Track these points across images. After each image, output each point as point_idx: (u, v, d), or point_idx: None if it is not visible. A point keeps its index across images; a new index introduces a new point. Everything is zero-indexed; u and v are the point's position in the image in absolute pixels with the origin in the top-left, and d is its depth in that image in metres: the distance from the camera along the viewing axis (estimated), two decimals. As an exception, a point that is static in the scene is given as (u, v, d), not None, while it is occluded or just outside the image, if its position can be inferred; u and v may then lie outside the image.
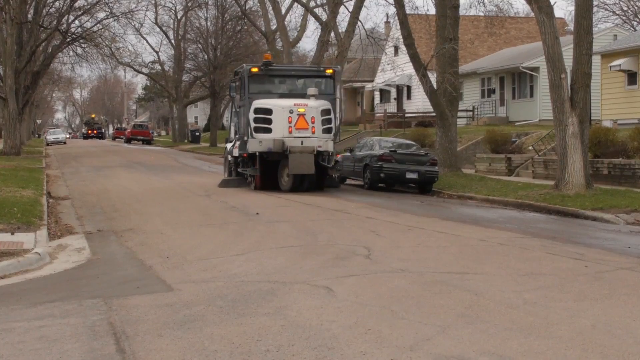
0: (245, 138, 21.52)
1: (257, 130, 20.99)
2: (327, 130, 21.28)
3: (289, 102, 21.10)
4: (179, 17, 68.01)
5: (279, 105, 21.03)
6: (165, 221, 14.39)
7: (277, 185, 21.27)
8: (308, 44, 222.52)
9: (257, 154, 21.00)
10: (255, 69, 21.95)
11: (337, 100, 22.34)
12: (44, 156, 41.34)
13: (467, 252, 10.73)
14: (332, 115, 21.55)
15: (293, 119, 20.70)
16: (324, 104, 21.43)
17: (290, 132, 20.65)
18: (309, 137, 20.71)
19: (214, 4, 61.32)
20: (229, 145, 24.77)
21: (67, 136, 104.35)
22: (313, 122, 20.81)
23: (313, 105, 21.01)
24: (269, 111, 20.95)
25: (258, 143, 20.82)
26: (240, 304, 7.18)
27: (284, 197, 19.09)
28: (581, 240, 12.51)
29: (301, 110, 20.79)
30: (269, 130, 20.84)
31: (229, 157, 24.22)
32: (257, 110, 21.08)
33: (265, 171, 21.34)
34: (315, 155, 20.73)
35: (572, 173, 18.68)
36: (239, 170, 22.85)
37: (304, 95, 21.57)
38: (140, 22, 79.38)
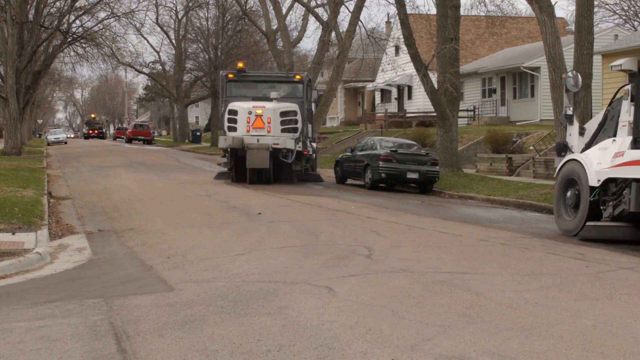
0: (220, 136, 24.35)
1: (228, 129, 23.59)
2: (288, 130, 23.44)
3: (249, 105, 23.52)
4: (179, 17, 68.02)
5: (241, 107, 23.51)
6: (166, 221, 14.39)
7: (244, 179, 23.63)
8: (309, 43, 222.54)
9: (229, 149, 23.67)
10: (231, 75, 24.88)
11: (305, 103, 24.43)
12: (44, 156, 41.36)
13: (468, 252, 10.73)
14: (297, 117, 23.75)
15: (251, 119, 23.15)
16: (286, 106, 23.72)
17: (248, 131, 23.08)
18: (264, 136, 22.99)
19: (215, 3, 61.32)
20: None
21: (71, 136, 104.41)
22: (269, 122, 23.08)
23: (270, 108, 23.35)
24: (235, 112, 23.50)
25: (224, 140, 23.50)
26: (241, 304, 7.18)
27: (285, 197, 19.10)
28: (581, 239, 12.49)
29: (258, 111, 23.18)
30: (235, 129, 23.38)
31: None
32: (229, 112, 23.73)
33: (237, 165, 23.80)
34: (274, 152, 23.03)
35: (573, 173, 18.65)
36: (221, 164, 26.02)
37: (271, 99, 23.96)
38: (141, 22, 79.46)
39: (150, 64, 74.31)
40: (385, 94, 57.47)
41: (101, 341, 6.04)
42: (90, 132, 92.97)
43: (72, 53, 48.73)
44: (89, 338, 6.15)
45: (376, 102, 59.52)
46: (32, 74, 43.31)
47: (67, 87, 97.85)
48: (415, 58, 27.60)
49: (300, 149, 23.59)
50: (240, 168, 23.66)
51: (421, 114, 47.23)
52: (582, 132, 13.87)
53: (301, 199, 18.88)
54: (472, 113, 44.29)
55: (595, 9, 34.10)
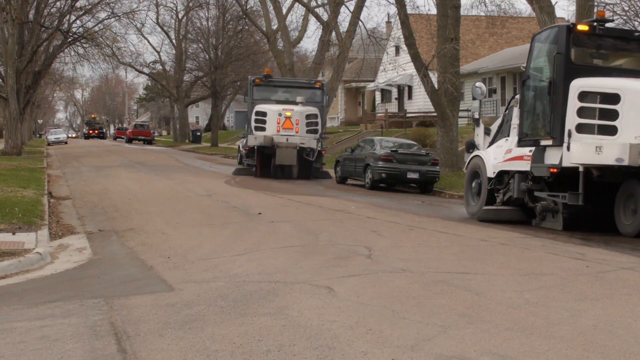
0: (248, 135, 26.98)
1: (256, 128, 26.27)
2: (312, 131, 26.38)
3: (279, 107, 26.34)
4: (180, 17, 68.09)
5: (271, 109, 26.32)
6: (166, 221, 14.40)
7: (269, 174, 26.36)
8: (309, 44, 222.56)
9: (255, 147, 26.39)
10: (258, 80, 27.59)
11: (323, 107, 27.61)
12: (45, 156, 41.36)
13: (468, 252, 10.73)
14: (318, 119, 26.73)
15: (281, 121, 25.92)
16: (310, 109, 26.56)
17: (278, 131, 25.90)
18: (293, 136, 25.87)
19: (215, 3, 61.34)
20: (244, 141, 30.01)
21: (72, 135, 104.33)
22: (297, 124, 26.00)
23: (298, 110, 26.19)
24: (264, 114, 26.25)
25: (254, 139, 26.10)
26: (241, 304, 7.18)
27: (285, 197, 19.10)
28: (581, 239, 12.50)
29: (288, 114, 25.99)
30: (263, 129, 26.10)
31: (242, 151, 30.11)
32: (256, 113, 26.41)
33: (262, 162, 26.66)
34: (299, 150, 25.92)
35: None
36: (244, 161, 28.73)
37: (296, 103, 26.76)
38: (142, 22, 79.38)
39: (151, 64, 74.37)
40: (385, 93, 57.45)
41: (101, 341, 6.04)
42: (91, 132, 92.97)
43: (72, 53, 48.72)
44: (89, 338, 6.15)
45: (376, 102, 59.51)
46: (33, 74, 43.27)
47: (67, 87, 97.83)
48: (415, 58, 27.59)
49: (319, 149, 26.54)
50: (264, 164, 26.49)
51: (421, 114, 47.21)
52: (487, 132, 16.59)
53: (301, 199, 18.89)
54: (472, 113, 44.24)
55: (596, 9, 34.08)
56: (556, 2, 79.54)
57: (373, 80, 57.35)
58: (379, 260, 9.70)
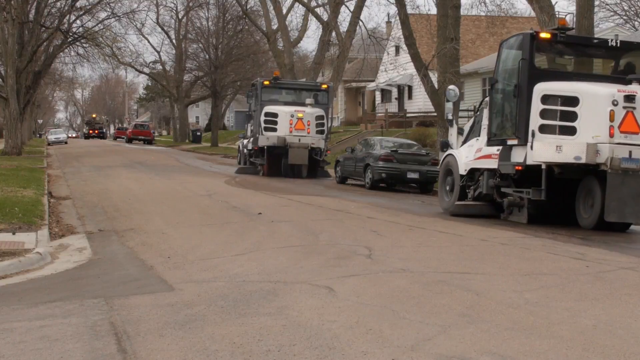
0: (257, 135, 27.80)
1: (265, 129, 27.31)
2: (320, 132, 27.58)
3: (291, 109, 27.35)
4: (180, 17, 68.09)
5: (283, 111, 27.29)
6: (166, 221, 14.39)
7: (279, 173, 27.35)
8: (309, 43, 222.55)
9: (265, 147, 27.29)
10: (267, 82, 28.55)
11: (329, 109, 28.88)
12: (45, 156, 41.36)
13: (469, 251, 10.73)
14: (324, 120, 27.93)
15: (293, 122, 26.92)
16: (318, 111, 27.75)
17: (290, 132, 26.89)
18: (305, 136, 27.01)
19: (215, 3, 61.40)
20: (245, 141, 31.34)
21: (72, 135, 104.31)
22: (308, 125, 27.11)
23: (309, 112, 27.29)
24: (275, 115, 27.23)
25: (266, 139, 27.17)
26: (241, 304, 7.18)
27: (285, 197, 19.10)
28: (581, 239, 12.50)
29: (300, 115, 27.03)
30: (274, 130, 27.11)
31: (245, 150, 30.83)
32: (266, 114, 27.40)
33: (270, 161, 27.59)
34: (309, 150, 27.06)
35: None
36: (251, 160, 29.28)
37: (303, 104, 27.88)
38: (142, 22, 79.25)
39: (151, 64, 74.42)
40: (385, 93, 57.43)
41: (101, 341, 6.04)
42: (91, 132, 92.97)
43: (72, 53, 48.81)
44: (90, 338, 6.15)
45: (376, 102, 59.50)
46: (33, 73, 43.30)
47: (67, 87, 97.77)
48: (415, 58, 27.60)
49: (326, 149, 27.83)
50: (273, 163, 27.55)
51: (421, 114, 47.19)
52: (460, 132, 17.44)
53: (301, 199, 18.89)
54: (472, 113, 44.23)
55: (596, 9, 34.08)
56: (556, 2, 79.49)
57: (373, 80, 57.33)
58: (379, 260, 9.70)
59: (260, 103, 27.95)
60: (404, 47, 32.22)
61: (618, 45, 14.74)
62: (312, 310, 6.91)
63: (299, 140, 26.77)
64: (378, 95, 59.19)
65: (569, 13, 21.33)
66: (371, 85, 58.25)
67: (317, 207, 16.85)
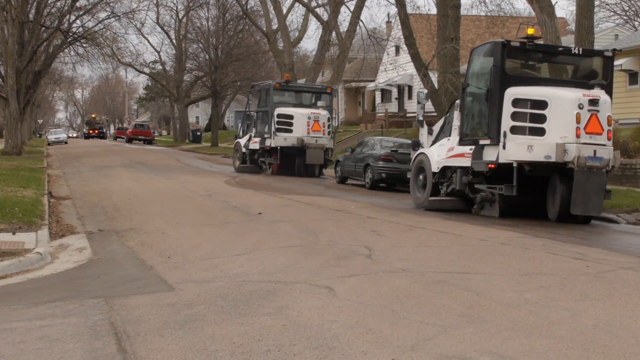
0: (266, 136, 28.97)
1: (279, 130, 28.36)
2: (329, 133, 28.98)
3: (307, 111, 28.68)
4: (180, 17, 68.08)
5: (299, 113, 28.54)
6: (166, 221, 14.40)
7: (289, 172, 28.48)
8: (309, 43, 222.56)
9: (279, 147, 28.37)
10: (277, 85, 29.91)
11: (334, 110, 30.51)
12: (45, 156, 41.35)
13: (469, 251, 10.73)
14: (331, 122, 29.46)
15: (311, 123, 28.14)
16: (327, 113, 29.12)
17: (308, 133, 28.12)
18: (321, 137, 28.37)
19: (215, 3, 61.35)
20: (242, 141, 31.90)
21: (73, 135, 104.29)
22: (323, 126, 28.46)
23: (322, 114, 28.66)
24: (290, 116, 28.41)
25: (283, 139, 28.27)
26: (241, 304, 7.18)
27: (285, 197, 19.11)
28: (582, 239, 12.50)
29: (316, 117, 28.35)
30: (289, 131, 28.24)
31: (244, 150, 31.37)
32: (279, 115, 28.50)
33: (282, 161, 28.74)
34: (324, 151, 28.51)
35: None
36: (260, 160, 30.17)
37: (310, 106, 29.55)
38: (142, 22, 79.43)
39: (151, 64, 74.45)
40: (385, 93, 57.44)
41: (101, 341, 6.04)
42: (91, 132, 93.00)
43: (72, 53, 48.77)
44: (90, 338, 6.15)
45: (376, 102, 59.50)
46: (33, 73, 43.28)
47: (67, 87, 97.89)
48: (415, 58, 27.60)
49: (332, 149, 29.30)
50: (284, 163, 28.74)
51: (421, 114, 47.07)
52: (430, 132, 18.37)
53: (301, 199, 18.89)
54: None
55: (596, 9, 34.11)
56: (556, 2, 79.48)
57: (373, 80, 57.33)
58: (379, 260, 9.70)
59: (271, 105, 28.99)
60: (404, 47, 32.24)
61: (580, 52, 15.88)
62: (312, 310, 6.91)
63: (316, 141, 28.08)
64: (378, 95, 59.19)
65: (567, 17, 21.31)
66: (371, 85, 58.25)
67: (317, 207, 16.85)
